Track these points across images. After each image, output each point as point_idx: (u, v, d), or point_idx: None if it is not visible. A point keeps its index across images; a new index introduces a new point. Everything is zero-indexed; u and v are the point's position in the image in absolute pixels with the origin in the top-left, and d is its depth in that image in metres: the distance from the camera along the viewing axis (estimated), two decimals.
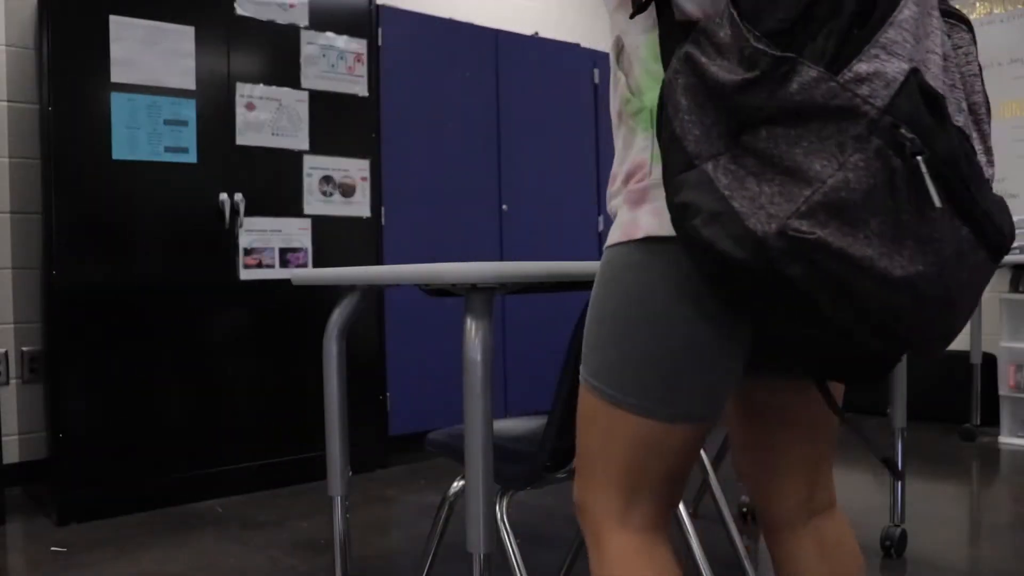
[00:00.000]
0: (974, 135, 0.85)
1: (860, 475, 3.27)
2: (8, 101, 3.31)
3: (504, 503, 1.58)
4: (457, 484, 1.77)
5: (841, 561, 1.11)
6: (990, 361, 4.07)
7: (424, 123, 3.81)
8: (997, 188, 4.31)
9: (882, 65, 0.75)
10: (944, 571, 2.26)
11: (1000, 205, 0.85)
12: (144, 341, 2.99)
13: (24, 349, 3.32)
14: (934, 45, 0.81)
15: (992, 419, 3.98)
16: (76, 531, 2.77)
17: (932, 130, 0.76)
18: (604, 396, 0.97)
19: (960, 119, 0.81)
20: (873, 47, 0.76)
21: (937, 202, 0.74)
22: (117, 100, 2.93)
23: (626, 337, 0.94)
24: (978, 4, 4.34)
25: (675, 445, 0.96)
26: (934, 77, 0.79)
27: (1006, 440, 3.83)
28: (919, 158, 0.74)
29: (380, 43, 3.64)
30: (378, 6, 3.61)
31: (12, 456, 3.26)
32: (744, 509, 2.75)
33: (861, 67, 0.75)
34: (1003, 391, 3.85)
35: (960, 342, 4.25)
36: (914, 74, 0.76)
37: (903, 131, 0.74)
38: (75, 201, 2.86)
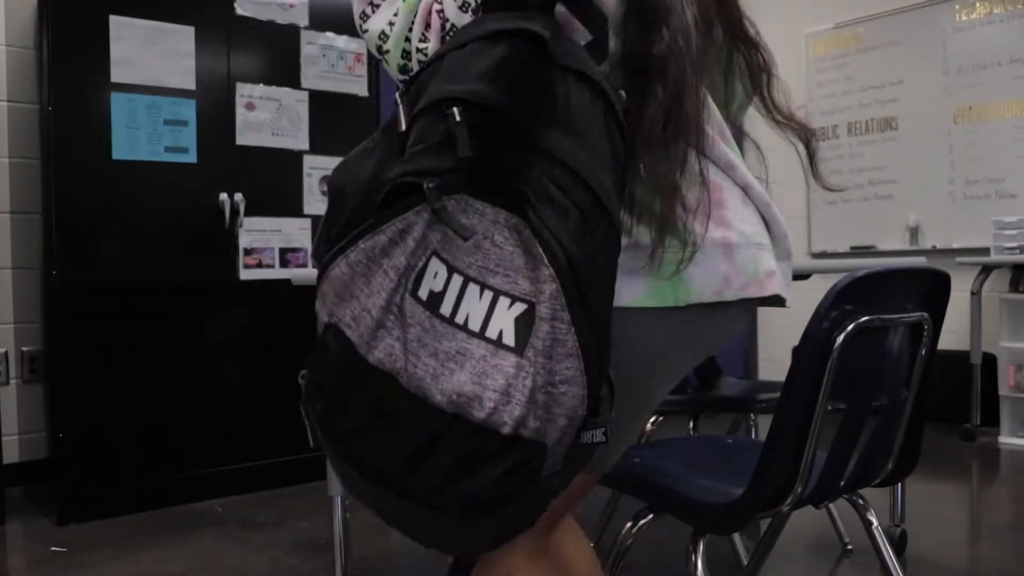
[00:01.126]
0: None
1: None
2: (8, 101, 3.32)
3: (701, 545, 1.22)
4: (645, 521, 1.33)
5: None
6: (990, 361, 4.07)
7: None
8: (997, 188, 4.31)
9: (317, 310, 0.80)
10: (944, 571, 2.26)
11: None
12: (144, 341, 2.98)
13: (24, 349, 3.32)
14: (370, 302, 0.75)
15: (992, 419, 3.97)
16: (76, 531, 2.77)
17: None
18: None
19: (378, 355, 0.75)
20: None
21: None
22: (117, 100, 2.93)
23: None
24: (978, 4, 4.34)
25: None
26: (348, 325, 0.76)
27: (1006, 440, 3.83)
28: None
29: None
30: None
31: (12, 456, 3.25)
32: None
33: None
34: (1003, 391, 3.85)
35: (960, 342, 4.25)
36: (328, 328, 0.77)
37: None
38: (75, 201, 2.86)
